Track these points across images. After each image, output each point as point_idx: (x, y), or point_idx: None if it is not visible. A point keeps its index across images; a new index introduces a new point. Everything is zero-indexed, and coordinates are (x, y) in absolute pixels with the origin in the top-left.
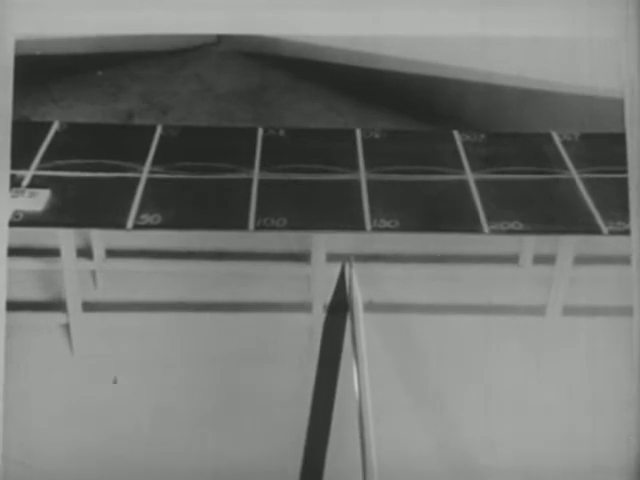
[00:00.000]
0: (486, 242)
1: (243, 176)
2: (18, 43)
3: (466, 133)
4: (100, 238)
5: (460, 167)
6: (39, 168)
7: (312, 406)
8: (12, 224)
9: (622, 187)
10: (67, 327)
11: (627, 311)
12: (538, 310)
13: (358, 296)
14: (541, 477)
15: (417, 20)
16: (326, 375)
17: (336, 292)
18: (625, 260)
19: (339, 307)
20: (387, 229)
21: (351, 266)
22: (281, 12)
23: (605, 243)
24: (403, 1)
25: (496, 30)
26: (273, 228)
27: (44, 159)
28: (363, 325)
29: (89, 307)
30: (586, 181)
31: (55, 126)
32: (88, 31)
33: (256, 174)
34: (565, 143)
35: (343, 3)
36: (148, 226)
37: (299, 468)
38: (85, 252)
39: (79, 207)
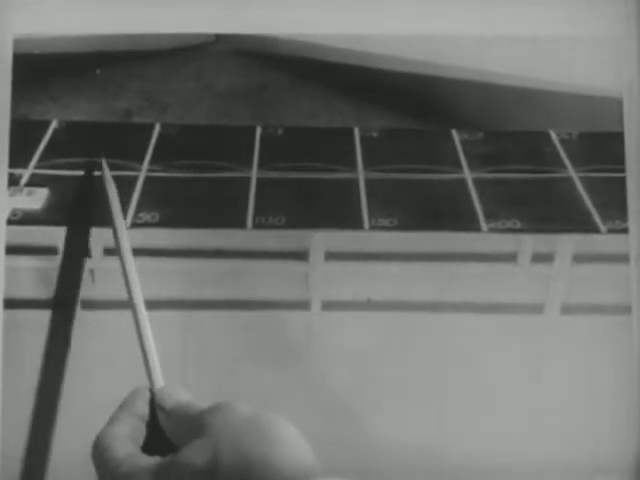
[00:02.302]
0: (484, 240)
1: (241, 174)
2: (16, 42)
3: (464, 132)
4: (98, 236)
5: (458, 166)
6: (37, 167)
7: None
8: (10, 222)
9: (620, 186)
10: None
11: (626, 310)
12: (536, 308)
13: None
14: (540, 476)
15: (415, 19)
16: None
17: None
18: (623, 258)
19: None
20: (385, 227)
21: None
22: (280, 11)
23: (603, 242)
24: (401, 0)
25: (494, 29)
26: (271, 226)
27: (42, 157)
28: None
29: (87, 305)
30: (584, 180)
31: (53, 124)
32: (86, 30)
33: (254, 172)
34: (563, 142)
35: (342, 2)
36: (146, 224)
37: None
38: None
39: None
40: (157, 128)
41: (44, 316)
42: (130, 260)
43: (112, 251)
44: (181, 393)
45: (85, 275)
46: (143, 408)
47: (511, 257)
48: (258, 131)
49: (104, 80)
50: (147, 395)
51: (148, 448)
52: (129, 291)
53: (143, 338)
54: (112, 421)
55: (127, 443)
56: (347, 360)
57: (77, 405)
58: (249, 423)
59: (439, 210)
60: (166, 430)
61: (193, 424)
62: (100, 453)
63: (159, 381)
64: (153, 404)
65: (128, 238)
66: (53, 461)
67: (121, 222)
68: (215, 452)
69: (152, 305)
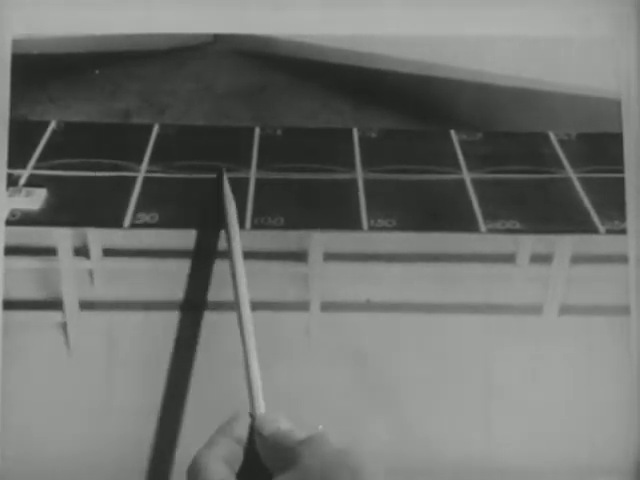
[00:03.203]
0: (483, 241)
1: (240, 175)
2: (15, 42)
3: (463, 132)
4: (97, 237)
5: (457, 166)
6: (36, 167)
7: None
8: (9, 223)
9: (619, 187)
10: (64, 326)
11: (624, 310)
12: (535, 309)
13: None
14: (539, 476)
15: (414, 20)
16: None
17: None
18: (622, 259)
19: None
20: (384, 228)
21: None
22: (278, 11)
23: (602, 242)
24: (400, 1)
25: (493, 30)
26: (270, 227)
27: (41, 158)
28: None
29: (86, 306)
30: (583, 180)
31: (52, 125)
32: (85, 30)
33: (253, 173)
34: (562, 142)
35: (340, 2)
36: (145, 225)
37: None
38: (82, 251)
39: (76, 206)
40: (156, 129)
41: (43, 317)
42: (242, 275)
43: (111, 252)
44: (282, 421)
45: (83, 276)
46: (242, 432)
47: (510, 258)
48: (257, 132)
49: (103, 81)
50: (247, 419)
51: (244, 473)
52: (239, 310)
53: (249, 362)
54: (210, 443)
55: (222, 466)
56: (346, 361)
57: (76, 405)
58: (339, 457)
59: (438, 211)
60: (262, 456)
61: (287, 454)
62: (195, 474)
63: (261, 406)
64: (252, 429)
65: (241, 248)
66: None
67: (236, 231)
68: None
69: (151, 305)
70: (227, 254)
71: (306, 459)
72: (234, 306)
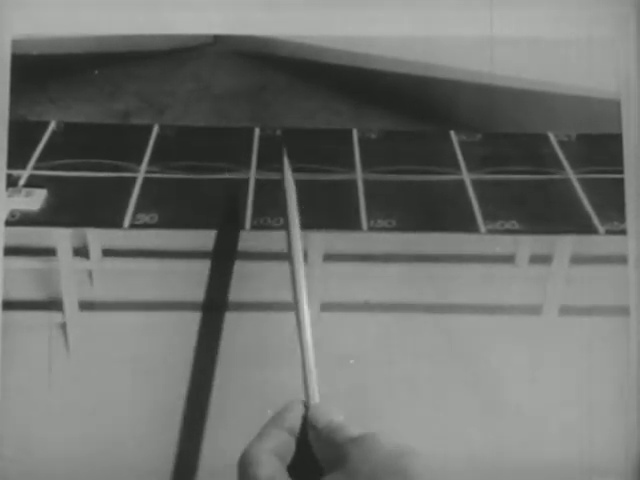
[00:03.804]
0: (482, 242)
1: (240, 176)
2: (15, 43)
3: (462, 133)
4: (96, 237)
5: (457, 167)
6: (36, 168)
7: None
8: (8, 223)
9: (618, 187)
10: (64, 326)
11: (624, 311)
12: (534, 310)
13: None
14: (538, 476)
15: (414, 21)
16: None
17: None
18: (621, 260)
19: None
20: (384, 229)
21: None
22: (278, 12)
23: (601, 243)
24: (400, 2)
25: (493, 30)
26: (270, 228)
27: (41, 159)
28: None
29: (86, 306)
30: (582, 181)
31: (52, 126)
32: (85, 31)
33: (253, 174)
34: (562, 143)
35: (340, 3)
36: (145, 225)
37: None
38: (82, 251)
39: (76, 206)
40: (155, 129)
41: (43, 317)
42: (301, 273)
43: (110, 252)
44: (335, 413)
45: (83, 276)
46: (295, 422)
47: (509, 258)
48: (256, 132)
49: (102, 81)
50: (300, 409)
51: (296, 464)
52: (296, 304)
53: (304, 352)
54: (261, 434)
55: (273, 459)
56: (345, 361)
57: (76, 405)
58: (390, 460)
59: (437, 211)
60: (314, 448)
61: (338, 451)
62: (245, 468)
63: (315, 397)
64: (306, 419)
65: (302, 245)
66: None
67: (296, 223)
68: None
69: (150, 306)
70: (227, 254)
71: (355, 461)
72: (291, 295)
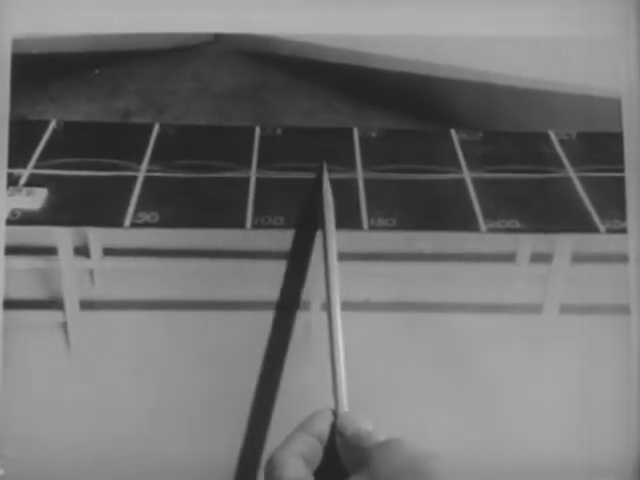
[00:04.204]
0: (483, 240)
1: (241, 175)
2: (15, 42)
3: (463, 132)
4: (97, 236)
5: (457, 166)
6: (36, 167)
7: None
8: (9, 222)
9: (619, 186)
10: (65, 325)
11: (624, 310)
12: (535, 308)
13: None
14: (538, 476)
15: (414, 19)
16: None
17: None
18: (622, 258)
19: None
20: (384, 227)
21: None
22: (278, 11)
23: (602, 241)
24: (400, 1)
25: (493, 29)
26: (270, 226)
27: (41, 158)
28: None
29: (87, 305)
30: (583, 180)
31: (52, 125)
32: (85, 30)
33: (253, 173)
34: (562, 142)
35: (340, 2)
36: (146, 224)
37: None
38: (82, 250)
39: (76, 206)
40: (156, 128)
41: (43, 317)
42: (335, 276)
43: (111, 251)
44: (364, 421)
45: (84, 275)
46: (323, 429)
47: (510, 257)
48: (257, 131)
49: (103, 80)
50: (329, 417)
51: (322, 471)
52: (329, 307)
53: (335, 360)
54: (289, 439)
55: (299, 464)
56: (346, 360)
57: (76, 405)
58: (412, 462)
59: (438, 210)
60: (341, 455)
61: (363, 455)
62: (270, 471)
63: (344, 405)
64: (334, 427)
65: (336, 248)
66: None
67: (332, 229)
68: None
69: (152, 305)
70: (229, 253)
71: (377, 464)
72: (325, 305)
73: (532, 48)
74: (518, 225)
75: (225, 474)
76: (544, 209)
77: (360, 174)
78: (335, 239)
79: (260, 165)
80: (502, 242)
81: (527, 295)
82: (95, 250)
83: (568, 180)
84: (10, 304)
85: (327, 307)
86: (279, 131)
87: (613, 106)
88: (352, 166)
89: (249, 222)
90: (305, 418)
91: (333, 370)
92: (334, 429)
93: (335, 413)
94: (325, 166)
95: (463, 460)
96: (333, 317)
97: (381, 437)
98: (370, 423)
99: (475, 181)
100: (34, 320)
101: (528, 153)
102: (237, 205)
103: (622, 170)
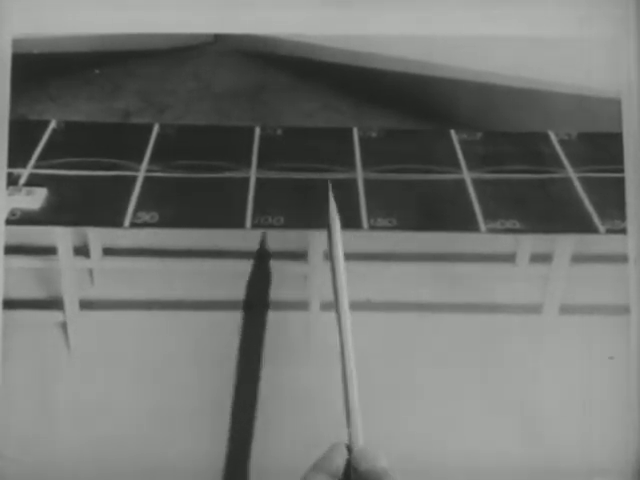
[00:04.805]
0: (483, 241)
1: (241, 175)
2: (15, 42)
3: (463, 132)
4: (97, 236)
5: (457, 166)
6: (36, 166)
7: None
8: (9, 222)
9: (619, 186)
10: (64, 325)
11: (624, 310)
12: (535, 309)
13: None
14: (537, 476)
15: (414, 19)
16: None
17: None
18: (622, 259)
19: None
20: (384, 228)
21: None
22: (278, 11)
23: (602, 242)
24: (400, 1)
25: (493, 29)
26: (270, 226)
27: (41, 157)
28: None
29: (86, 305)
30: (583, 180)
31: (52, 124)
32: (85, 30)
33: (253, 173)
34: (562, 142)
35: (340, 2)
36: (145, 224)
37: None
38: (82, 250)
39: (76, 205)
40: (156, 128)
41: (43, 317)
42: (343, 291)
43: (111, 251)
44: (379, 458)
45: (83, 275)
46: (338, 465)
47: (510, 257)
48: (257, 131)
49: (103, 80)
50: (344, 452)
51: None
52: (343, 359)
53: (349, 394)
54: (306, 477)
55: None
56: None
57: (76, 405)
58: None
59: (438, 210)
60: None
61: None
62: None
63: (359, 440)
64: (349, 463)
65: (345, 269)
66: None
67: (339, 255)
68: None
69: (151, 305)
70: (229, 253)
71: None
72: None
73: (532, 48)
74: (518, 225)
75: (225, 474)
76: (544, 209)
77: (360, 174)
78: (343, 265)
79: (260, 165)
80: (502, 242)
81: (527, 295)
82: (95, 250)
83: (568, 180)
84: (10, 304)
85: (340, 353)
86: (279, 131)
87: (613, 106)
88: (352, 166)
89: (249, 222)
90: (320, 456)
91: (347, 405)
92: (349, 464)
93: (349, 448)
94: (330, 186)
95: (464, 459)
96: (346, 362)
97: (395, 475)
98: (385, 460)
99: (475, 181)
100: (33, 320)
101: (528, 153)
102: (237, 205)
103: (622, 170)
